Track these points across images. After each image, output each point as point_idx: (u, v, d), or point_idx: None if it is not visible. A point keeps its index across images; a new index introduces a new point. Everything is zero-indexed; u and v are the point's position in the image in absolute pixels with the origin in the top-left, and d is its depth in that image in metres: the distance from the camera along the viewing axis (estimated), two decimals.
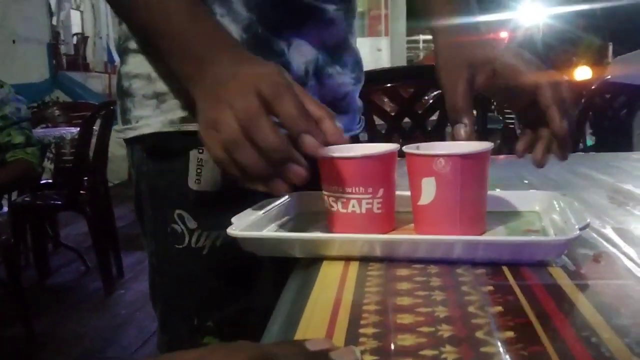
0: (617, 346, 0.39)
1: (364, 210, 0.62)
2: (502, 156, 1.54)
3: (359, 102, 0.97)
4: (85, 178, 3.16)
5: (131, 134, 0.79)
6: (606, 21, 6.17)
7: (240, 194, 0.74)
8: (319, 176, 0.65)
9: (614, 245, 0.61)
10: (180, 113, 0.75)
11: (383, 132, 1.70)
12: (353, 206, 0.62)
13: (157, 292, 0.84)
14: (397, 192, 0.67)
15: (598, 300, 0.47)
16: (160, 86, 0.76)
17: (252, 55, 0.66)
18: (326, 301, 0.49)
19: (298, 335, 0.43)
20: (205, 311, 0.80)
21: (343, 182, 0.62)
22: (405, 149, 0.62)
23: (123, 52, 0.79)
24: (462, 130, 0.74)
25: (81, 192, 3.14)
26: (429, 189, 0.60)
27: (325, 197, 0.64)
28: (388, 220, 0.65)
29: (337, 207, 0.63)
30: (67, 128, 3.47)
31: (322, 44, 0.83)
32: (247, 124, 0.57)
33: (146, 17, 0.67)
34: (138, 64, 0.77)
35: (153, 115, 0.76)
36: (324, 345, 0.38)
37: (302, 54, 0.80)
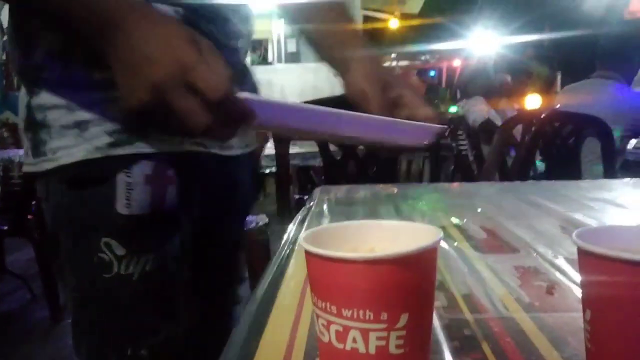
0: None
1: (372, 350, 0.39)
2: (455, 184, 1.56)
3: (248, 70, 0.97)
4: (33, 202, 3.06)
5: (48, 165, 0.77)
6: (554, 51, 6.42)
7: (170, 215, 0.77)
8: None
9: (566, 276, 0.62)
10: (106, 139, 0.75)
11: (338, 158, 1.70)
12: (354, 340, 0.39)
13: (84, 327, 0.82)
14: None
15: (551, 333, 0.47)
16: (81, 115, 0.75)
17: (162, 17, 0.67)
18: (280, 338, 0.48)
19: None
20: (138, 339, 0.79)
21: (337, 298, 0.39)
22: (598, 249, 0.36)
23: (33, 83, 0.77)
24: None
25: (28, 217, 3.04)
26: None
27: (315, 317, 0.41)
28: None
29: (330, 337, 0.39)
30: (16, 150, 3.37)
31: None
32: (184, 66, 0.59)
33: None
34: (54, 94, 0.75)
35: (75, 144, 0.75)
36: None
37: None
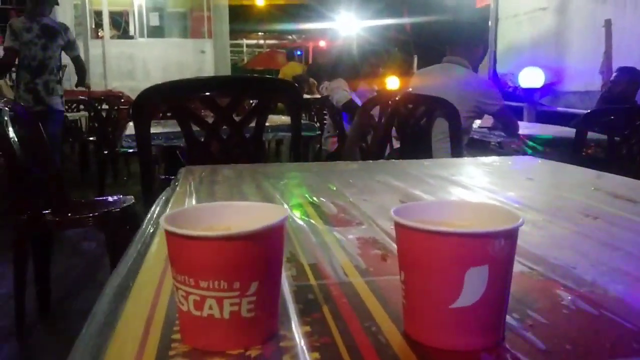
0: (392, 334, 0.47)
1: (226, 315, 0.45)
2: (315, 163, 1.64)
3: None
4: None
5: None
6: (411, 36, 6.82)
7: None
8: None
9: None
10: None
11: (202, 139, 1.72)
12: (210, 308, 0.44)
13: None
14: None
15: (381, 294, 0.55)
16: None
17: None
18: (141, 309, 0.52)
19: (112, 343, 0.46)
20: None
21: (194, 271, 0.44)
22: (404, 221, 0.45)
23: None
24: None
25: None
26: (476, 284, 0.43)
27: (175, 289, 0.47)
28: (265, 326, 0.47)
29: (188, 306, 0.45)
30: None
31: None
32: None
33: None
34: None
35: None
36: None
37: None
